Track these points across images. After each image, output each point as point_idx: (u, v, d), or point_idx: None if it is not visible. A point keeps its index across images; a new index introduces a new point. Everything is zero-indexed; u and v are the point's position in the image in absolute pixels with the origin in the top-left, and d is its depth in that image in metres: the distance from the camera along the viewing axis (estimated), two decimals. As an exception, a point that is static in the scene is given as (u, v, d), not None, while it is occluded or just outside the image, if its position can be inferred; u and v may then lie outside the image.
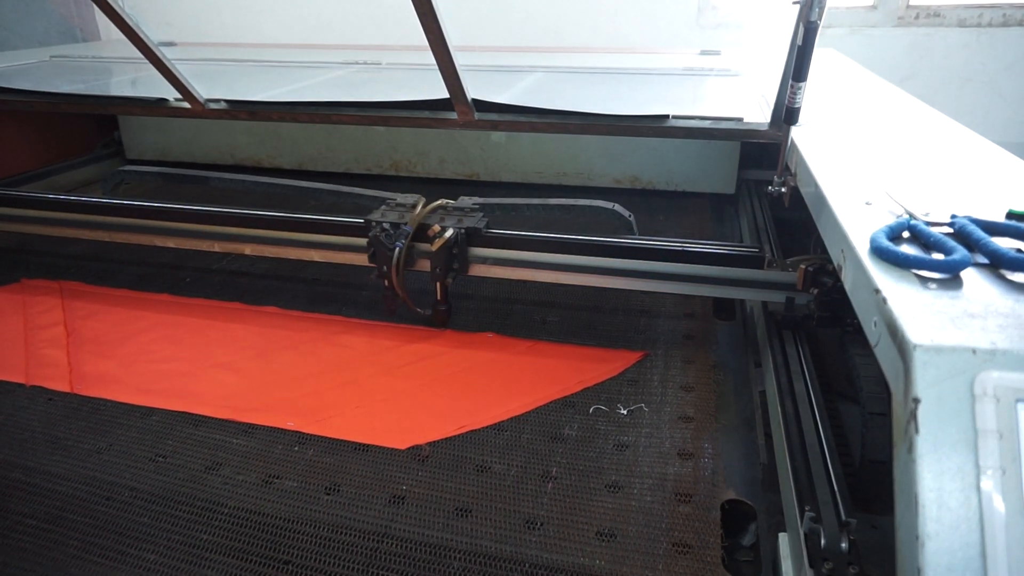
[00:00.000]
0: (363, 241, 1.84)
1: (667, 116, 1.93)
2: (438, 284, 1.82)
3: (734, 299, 1.93)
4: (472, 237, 1.80)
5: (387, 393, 1.63)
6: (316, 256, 1.96)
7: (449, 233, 1.73)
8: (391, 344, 1.83)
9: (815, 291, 1.60)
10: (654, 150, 2.68)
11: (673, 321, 1.94)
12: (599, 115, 1.94)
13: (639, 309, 2.00)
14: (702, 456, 1.42)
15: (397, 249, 1.74)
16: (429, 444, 1.47)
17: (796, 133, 1.71)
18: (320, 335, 1.87)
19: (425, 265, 1.83)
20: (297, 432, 1.51)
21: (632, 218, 1.89)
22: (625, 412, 1.56)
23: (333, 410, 1.58)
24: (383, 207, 1.90)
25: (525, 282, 2.08)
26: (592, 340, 1.84)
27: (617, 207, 1.88)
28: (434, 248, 1.74)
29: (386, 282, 1.84)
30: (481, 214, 1.85)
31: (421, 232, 1.79)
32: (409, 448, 1.46)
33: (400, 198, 1.93)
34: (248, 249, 2.02)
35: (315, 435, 1.50)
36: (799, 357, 1.55)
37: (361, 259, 1.89)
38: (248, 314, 1.99)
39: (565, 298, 2.07)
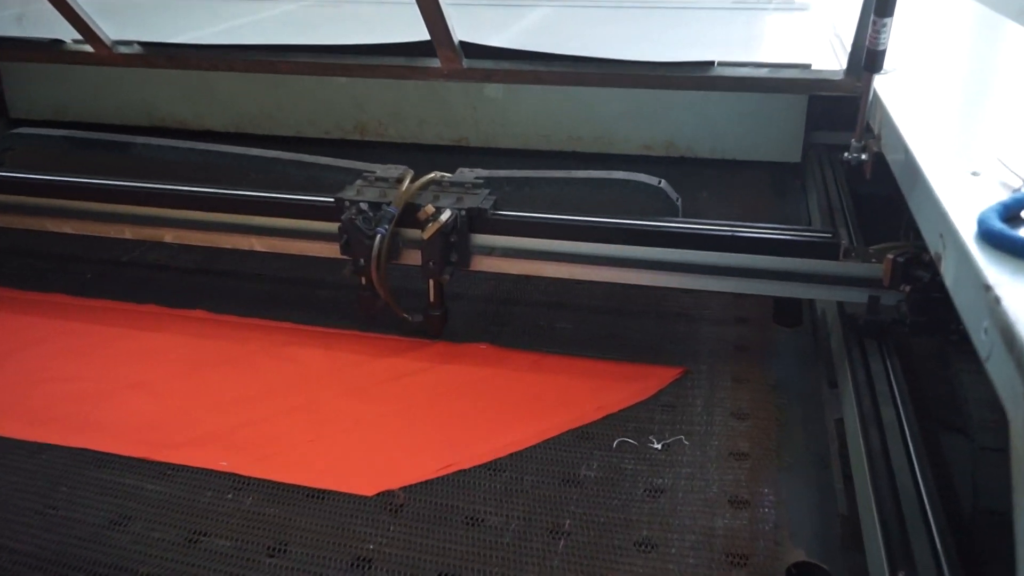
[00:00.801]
0: (333, 227, 1.83)
1: (712, 63, 1.92)
2: (431, 282, 1.82)
3: (801, 299, 1.93)
4: (475, 221, 1.79)
5: (350, 422, 1.63)
6: (260, 245, 1.96)
7: (445, 216, 1.73)
8: (356, 358, 1.83)
9: (906, 288, 1.59)
10: (695, 107, 2.67)
11: (721, 328, 1.93)
12: (624, 62, 1.93)
13: (676, 312, 1.99)
14: (761, 504, 1.41)
15: (378, 237, 1.75)
16: (404, 489, 1.46)
17: (880, 84, 1.70)
18: (263, 346, 1.86)
19: (414, 257, 1.83)
20: (232, 474, 1.50)
21: (680, 202, 1.89)
22: (659, 446, 1.55)
23: (279, 445, 1.57)
24: (359, 182, 1.89)
25: (528, 278, 2.07)
26: (615, 353, 1.83)
27: (665, 185, 1.88)
28: (426, 235, 1.74)
29: (363, 279, 1.83)
30: (487, 191, 1.85)
31: (409, 215, 1.79)
32: (378, 495, 1.45)
33: (381, 170, 1.92)
34: (169, 236, 2.01)
35: (255, 478, 1.49)
36: (887, 375, 1.54)
37: (330, 249, 1.88)
38: (169, 320, 1.99)
39: (579, 298, 2.06)
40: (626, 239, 1.76)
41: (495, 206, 1.83)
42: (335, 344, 1.89)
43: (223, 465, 1.52)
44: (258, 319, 1.98)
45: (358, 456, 1.54)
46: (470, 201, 1.81)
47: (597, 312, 2.01)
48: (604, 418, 1.62)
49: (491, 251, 1.82)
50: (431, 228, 1.74)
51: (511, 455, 1.53)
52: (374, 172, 1.92)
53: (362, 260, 1.80)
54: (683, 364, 1.78)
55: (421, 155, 2.76)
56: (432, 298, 1.85)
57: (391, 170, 1.92)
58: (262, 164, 2.16)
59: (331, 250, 1.88)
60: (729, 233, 1.73)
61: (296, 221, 1.91)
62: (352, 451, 1.56)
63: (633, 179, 1.92)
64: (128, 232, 2.05)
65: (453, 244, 1.79)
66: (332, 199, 1.85)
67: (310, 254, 1.93)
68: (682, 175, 2.50)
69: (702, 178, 2.63)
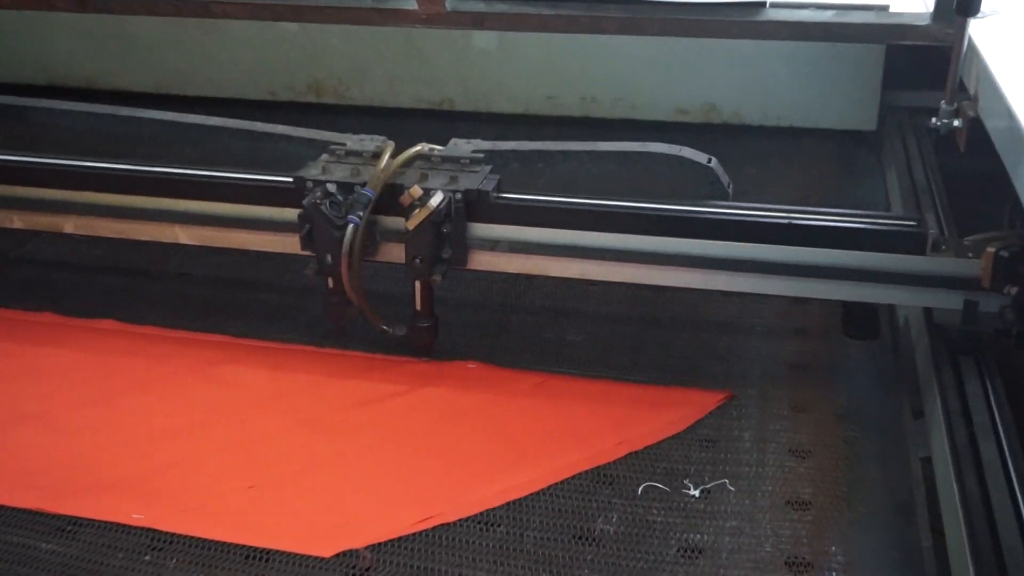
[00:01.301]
0: (291, 214, 1.84)
1: (763, 4, 1.92)
2: (418, 284, 1.84)
3: (877, 305, 1.93)
4: (474, 206, 1.80)
5: (302, 462, 1.63)
6: (188, 237, 1.96)
7: (437, 200, 1.75)
8: (311, 380, 1.84)
9: (1012, 290, 1.58)
10: (743, 60, 2.66)
11: (774, 341, 1.93)
12: (651, 3, 1.93)
13: (718, 321, 1.99)
14: (827, 567, 1.41)
15: (350, 227, 1.76)
16: (371, 549, 1.46)
17: (977, 30, 1.70)
18: (191, 366, 1.87)
19: (396, 253, 1.84)
20: (150, 530, 1.50)
21: (731, 188, 1.88)
22: (697, 493, 1.54)
23: (211, 493, 1.57)
24: (324, 157, 1.90)
25: (531, 277, 2.07)
26: (641, 373, 1.83)
27: (715, 164, 1.87)
28: (412, 225, 1.76)
29: (330, 281, 1.84)
30: (488, 168, 1.86)
31: (389, 199, 1.80)
32: (338, 556, 1.45)
33: (353, 142, 1.93)
34: (70, 225, 2.01)
35: (180, 535, 1.49)
36: (987, 401, 1.53)
37: (286, 243, 1.89)
38: (70, 333, 1.99)
39: (594, 303, 2.06)
40: (656, 228, 1.76)
41: (499, 188, 1.83)
42: (284, 363, 1.88)
43: (138, 519, 1.51)
44: (185, 332, 1.98)
45: (312, 506, 1.54)
46: (467, 181, 1.80)
47: (618, 321, 2.00)
48: (626, 457, 1.62)
49: (495, 245, 1.82)
50: (418, 216, 1.75)
51: (508, 504, 1.53)
52: (344, 144, 1.92)
53: (329, 257, 1.80)
54: (727, 388, 1.78)
55: (393, 123, 2.75)
56: (419, 305, 1.85)
57: (366, 142, 1.92)
58: (194, 134, 2.15)
59: (287, 243, 1.88)
60: (785, 221, 1.72)
61: (240, 207, 1.91)
62: (304, 500, 1.55)
63: (674, 153, 1.90)
64: (17, 220, 2.04)
65: (446, 236, 1.80)
66: (290, 178, 1.85)
67: (257, 248, 1.93)
68: (725, 147, 2.48)
69: (751, 151, 2.62)
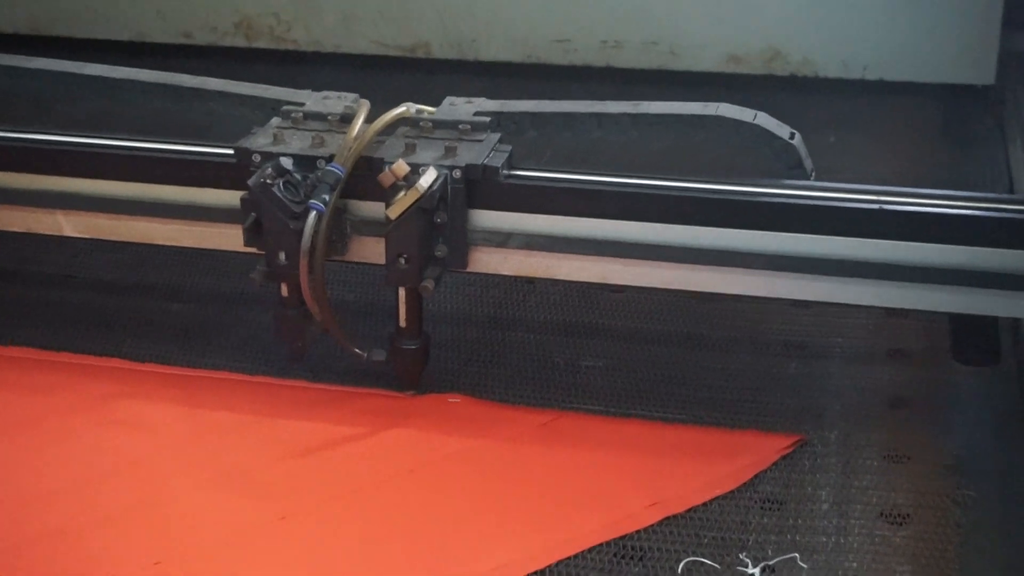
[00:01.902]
0: (230, 197, 1.86)
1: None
2: (402, 292, 1.86)
3: (996, 319, 1.94)
4: (479, 188, 1.82)
5: (225, 532, 1.63)
6: (74, 228, 1.98)
7: (428, 180, 1.76)
8: (236, 420, 1.85)
9: None
10: (814, -7, 2.73)
11: (862, 368, 1.94)
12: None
13: (786, 341, 2.01)
14: (932, 672, 1.41)
15: (312, 215, 1.77)
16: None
17: None
18: (78, 402, 1.88)
19: (372, 250, 1.86)
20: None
21: (813, 175, 1.87)
22: (757, 572, 1.54)
23: (104, 571, 1.55)
24: (276, 122, 1.92)
25: (533, 283, 2.08)
26: (681, 410, 1.85)
27: (798, 141, 1.86)
28: (394, 213, 1.77)
29: (284, 287, 1.88)
30: (496, 137, 1.88)
31: (365, 177, 1.81)
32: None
33: (314, 101, 1.95)
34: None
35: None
36: None
37: (223, 236, 1.91)
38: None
39: (619, 315, 2.08)
40: (706, 216, 1.76)
41: (511, 163, 1.84)
42: (203, 397, 1.89)
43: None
44: (69, 355, 1.99)
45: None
46: (468, 154, 1.82)
47: (651, 340, 2.01)
48: (662, 523, 1.62)
49: (505, 240, 1.84)
50: (403, 201, 1.75)
51: (505, 587, 1.53)
52: (301, 105, 1.94)
53: (283, 255, 1.82)
54: (797, 430, 1.78)
55: (350, 74, 2.77)
56: (404, 320, 1.86)
57: (331, 101, 1.93)
58: (87, 90, 2.14)
59: (224, 238, 1.89)
60: (875, 206, 1.73)
61: (155, 187, 1.92)
62: (224, 582, 1.55)
63: (746, 120, 1.89)
64: None
65: (440, 228, 1.81)
66: (230, 150, 1.86)
67: (179, 244, 1.95)
68: (793, 106, 2.50)
69: (828, 112, 2.63)
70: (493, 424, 1.82)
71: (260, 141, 1.85)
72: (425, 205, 1.76)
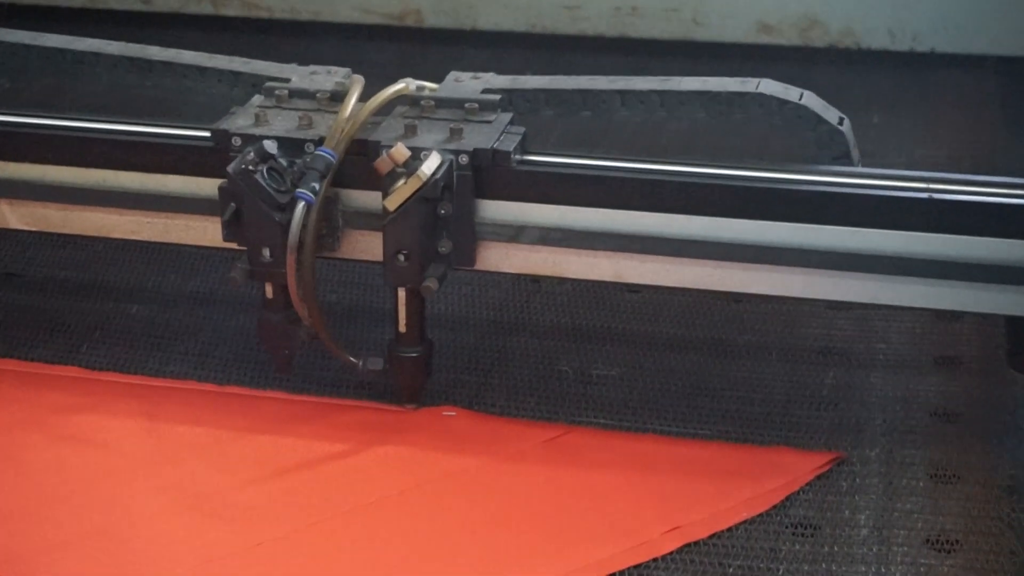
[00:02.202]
0: (207, 186, 1.85)
1: None
2: (402, 293, 1.85)
3: None
4: (488, 176, 1.81)
5: (193, 561, 1.63)
6: (20, 220, 1.97)
7: (432, 166, 1.75)
8: (205, 436, 1.85)
9: None
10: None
11: (907, 377, 1.94)
12: None
13: (822, 347, 2.01)
14: None
15: (300, 206, 1.77)
16: None
17: None
18: (27, 415, 1.88)
19: (368, 246, 1.86)
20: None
21: (857, 158, 1.86)
22: (790, 605, 1.56)
23: None
24: (258, 100, 1.92)
25: (538, 280, 2.09)
26: (703, 424, 1.86)
27: (846, 127, 1.83)
28: (393, 204, 1.77)
29: (269, 288, 1.87)
30: (507, 117, 1.88)
31: (359, 163, 1.81)
32: None
33: (301, 76, 1.95)
34: None
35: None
36: None
37: (197, 230, 1.90)
38: None
39: (634, 318, 2.08)
40: (734, 207, 1.77)
41: (524, 146, 1.84)
42: (167, 410, 1.89)
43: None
44: (16, 362, 1.99)
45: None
46: (476, 137, 1.82)
47: (669, 347, 2.01)
48: (681, 550, 1.62)
49: (517, 234, 1.84)
50: (404, 190, 1.75)
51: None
52: (287, 81, 1.94)
53: (267, 251, 1.81)
54: (834, 447, 1.79)
55: (330, 47, 2.77)
56: (404, 324, 1.86)
57: (320, 76, 1.93)
58: (43, 62, 2.13)
59: (198, 231, 1.89)
60: (924, 195, 1.73)
61: (112, 174, 1.92)
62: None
63: (791, 100, 1.87)
64: None
65: (444, 221, 1.81)
66: (206, 132, 1.86)
67: (136, 238, 1.95)
68: (832, 83, 2.50)
69: (872, 88, 2.63)
70: (493, 440, 1.83)
71: (240, 122, 1.85)
72: (428, 195, 1.76)
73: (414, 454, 1.81)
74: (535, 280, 2.09)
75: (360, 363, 1.87)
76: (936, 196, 1.73)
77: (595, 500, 1.71)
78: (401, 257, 1.79)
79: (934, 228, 1.73)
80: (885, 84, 2.67)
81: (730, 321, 2.06)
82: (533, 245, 1.83)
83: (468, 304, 2.12)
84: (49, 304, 2.15)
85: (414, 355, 1.87)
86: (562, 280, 1.96)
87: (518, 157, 1.82)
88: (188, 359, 2.01)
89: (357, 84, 1.85)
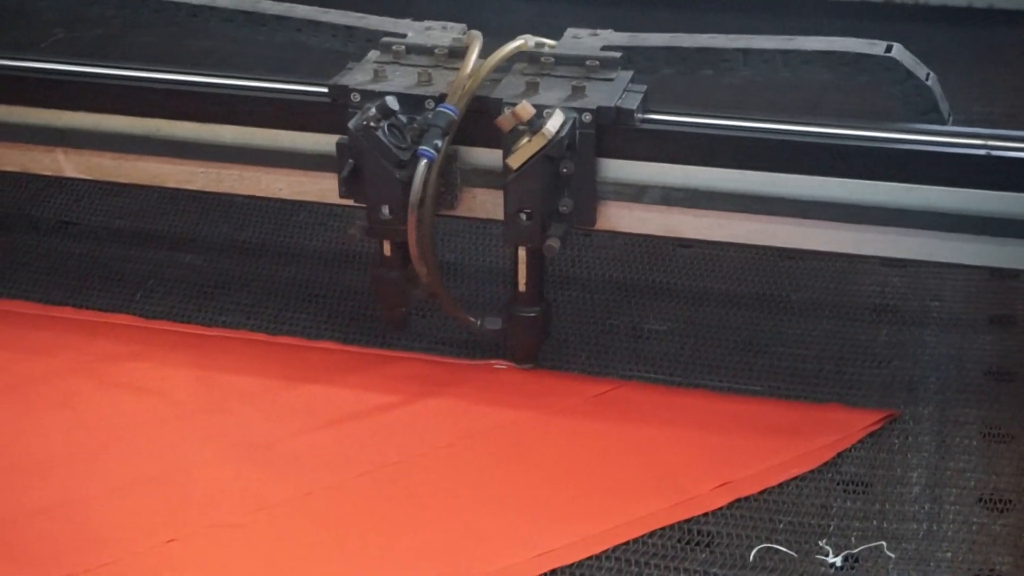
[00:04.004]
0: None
1: None
2: (522, 252, 1.86)
3: None
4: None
5: (246, 508, 1.64)
6: (75, 169, 1.98)
7: (556, 124, 1.75)
8: (258, 385, 1.87)
9: None
10: None
11: (961, 335, 1.94)
12: None
13: (874, 305, 2.01)
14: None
15: (422, 164, 1.78)
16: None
17: None
18: (81, 363, 1.90)
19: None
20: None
21: (951, 116, 1.86)
22: (839, 561, 1.55)
23: (110, 549, 1.57)
24: (375, 55, 1.93)
25: (590, 235, 2.10)
26: (755, 380, 1.86)
27: (933, 82, 1.82)
28: (516, 163, 1.77)
29: (387, 245, 1.89)
30: (628, 75, 1.87)
31: (480, 121, 1.82)
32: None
33: (417, 31, 1.96)
34: None
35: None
36: None
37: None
38: None
39: (687, 274, 2.09)
40: (785, 162, 1.77)
41: (646, 105, 1.83)
42: (221, 359, 1.91)
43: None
44: (72, 310, 2.01)
45: (256, 572, 1.56)
46: (599, 95, 1.81)
47: (721, 303, 2.01)
48: (731, 506, 1.63)
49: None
50: (527, 148, 1.75)
51: (554, 572, 1.54)
52: (404, 36, 1.94)
53: (387, 209, 1.82)
54: (886, 404, 1.78)
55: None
56: (523, 284, 1.87)
57: (436, 32, 1.93)
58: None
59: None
60: (982, 151, 1.72)
61: (170, 123, 1.93)
62: (246, 562, 1.57)
63: (880, 54, 1.87)
64: None
65: (565, 179, 1.81)
66: (323, 87, 1.87)
67: (193, 188, 1.96)
68: (887, 39, 2.47)
69: (926, 41, 2.55)
70: (543, 394, 1.83)
71: (359, 78, 1.85)
72: (551, 153, 1.75)
73: (463, 407, 1.82)
74: (587, 235, 2.08)
75: (478, 322, 1.88)
76: (993, 153, 1.72)
77: (644, 455, 1.72)
78: (523, 216, 1.80)
79: (991, 185, 1.72)
80: (942, 40, 2.65)
81: (782, 277, 2.06)
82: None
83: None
84: (103, 252, 2.17)
85: (532, 315, 1.88)
86: (614, 234, 1.94)
87: (641, 115, 1.81)
88: (239, 309, 2.03)
89: (476, 40, 1.85)
